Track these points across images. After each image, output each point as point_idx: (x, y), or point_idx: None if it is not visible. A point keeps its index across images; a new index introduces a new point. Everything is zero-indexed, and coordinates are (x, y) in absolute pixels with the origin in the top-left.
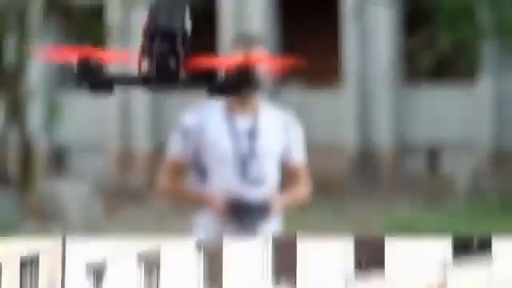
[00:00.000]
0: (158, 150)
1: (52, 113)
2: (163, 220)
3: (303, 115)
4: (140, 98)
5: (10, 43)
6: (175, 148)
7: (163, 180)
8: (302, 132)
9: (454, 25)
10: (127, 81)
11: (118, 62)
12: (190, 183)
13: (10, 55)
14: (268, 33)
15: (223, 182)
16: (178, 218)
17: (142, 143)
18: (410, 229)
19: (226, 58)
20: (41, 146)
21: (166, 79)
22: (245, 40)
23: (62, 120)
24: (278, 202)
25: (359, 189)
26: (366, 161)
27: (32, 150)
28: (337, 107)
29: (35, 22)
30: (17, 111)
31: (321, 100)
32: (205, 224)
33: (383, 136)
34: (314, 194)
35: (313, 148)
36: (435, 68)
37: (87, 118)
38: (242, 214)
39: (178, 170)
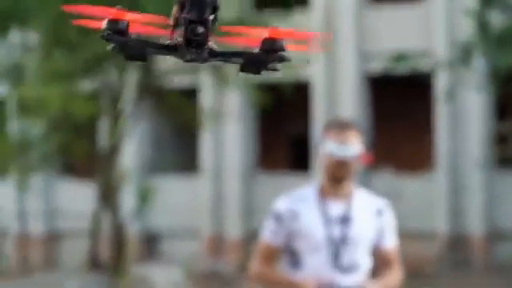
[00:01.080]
0: (250, 237)
1: (144, 197)
2: None
3: (395, 200)
4: (232, 183)
5: (105, 126)
6: (268, 233)
7: (255, 265)
8: (394, 217)
9: None
10: (157, 47)
11: (150, 28)
12: (283, 269)
13: (104, 138)
14: (360, 116)
15: (315, 268)
16: None
17: (233, 229)
18: None
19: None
20: (133, 231)
21: (195, 47)
22: (338, 124)
23: (155, 205)
24: None
25: (451, 274)
26: (457, 246)
27: (124, 235)
28: (428, 192)
29: (129, 104)
30: (110, 195)
31: (412, 185)
32: None
33: (475, 221)
34: (406, 279)
35: (405, 233)
36: None
37: (179, 202)
38: None
39: (271, 255)
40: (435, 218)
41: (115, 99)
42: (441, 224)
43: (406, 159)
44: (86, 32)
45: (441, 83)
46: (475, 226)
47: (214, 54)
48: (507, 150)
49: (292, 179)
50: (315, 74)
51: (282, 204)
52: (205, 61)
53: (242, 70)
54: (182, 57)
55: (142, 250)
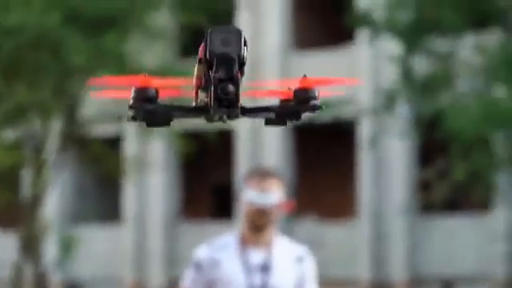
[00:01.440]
0: (172, 285)
1: (67, 247)
2: None
3: (318, 248)
4: (155, 232)
5: (27, 175)
6: (188, 282)
7: None
8: (315, 265)
9: (469, 155)
10: (185, 111)
11: (173, 92)
12: None
13: (26, 187)
14: (284, 164)
15: None
16: None
17: (156, 277)
18: None
19: (281, 85)
20: (55, 280)
21: (226, 106)
22: (259, 172)
23: (78, 254)
24: None
25: None
26: None
27: (47, 284)
28: (351, 239)
29: (52, 153)
30: (32, 244)
31: (335, 232)
32: None
33: (397, 267)
34: None
35: (328, 280)
36: (449, 199)
37: (102, 251)
38: None
39: None
40: (358, 264)
41: (38, 148)
42: (364, 271)
43: (329, 207)
44: (9, 82)
45: (364, 130)
46: (398, 272)
47: (245, 111)
48: (430, 196)
49: (215, 227)
50: (239, 121)
51: (202, 252)
52: (236, 118)
53: (269, 122)
54: (212, 117)
55: None
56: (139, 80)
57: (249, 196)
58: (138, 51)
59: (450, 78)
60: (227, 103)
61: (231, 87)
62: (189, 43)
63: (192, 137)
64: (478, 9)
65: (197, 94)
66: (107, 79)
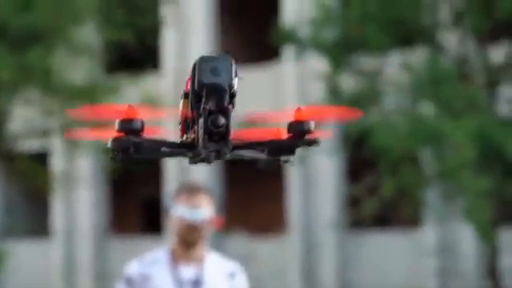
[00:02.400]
0: None
1: None
2: None
3: (249, 263)
4: (84, 247)
5: None
6: None
7: None
8: (247, 280)
9: (397, 172)
10: (173, 146)
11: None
12: None
13: None
14: (212, 180)
15: None
16: None
17: None
18: None
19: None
20: None
21: (216, 141)
22: (188, 188)
23: (6, 269)
24: None
25: None
26: None
27: None
28: (282, 254)
29: None
30: None
31: (266, 247)
32: None
33: (328, 283)
34: None
35: None
36: (379, 215)
37: (31, 266)
38: None
39: None
40: (289, 279)
41: None
42: (295, 285)
43: (259, 222)
44: None
45: None
46: (329, 286)
47: (237, 147)
48: (359, 212)
49: (144, 242)
50: (166, 136)
51: (132, 268)
52: (225, 155)
53: (261, 164)
54: (198, 155)
55: None
56: (124, 110)
57: (179, 212)
58: (63, 67)
59: (377, 96)
60: (218, 137)
61: (222, 119)
62: (115, 59)
63: None
64: (404, 27)
65: (183, 130)
66: (88, 110)
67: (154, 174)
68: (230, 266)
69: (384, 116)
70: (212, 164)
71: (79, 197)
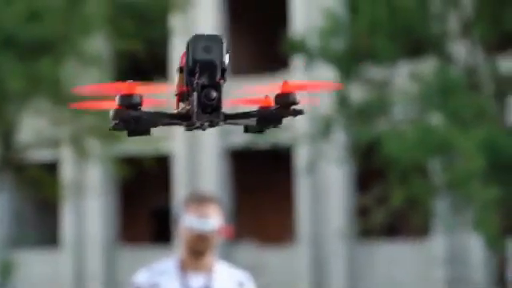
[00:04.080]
0: None
1: (5, 272)
2: None
3: (258, 272)
4: (93, 257)
5: None
6: None
7: None
8: None
9: (406, 182)
10: (167, 117)
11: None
12: None
13: None
14: (222, 189)
15: None
16: None
17: None
18: None
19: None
20: None
21: (209, 113)
22: (198, 198)
23: (16, 279)
24: None
25: None
26: None
27: None
28: (291, 263)
29: None
30: None
31: (275, 256)
32: None
33: None
34: None
35: None
36: (388, 225)
37: (41, 276)
38: None
39: None
40: None
41: None
42: None
43: (268, 231)
44: None
45: (301, 156)
46: None
47: (228, 117)
48: (368, 221)
49: (153, 252)
50: (176, 147)
51: (141, 277)
52: (218, 124)
53: (249, 130)
54: (193, 124)
55: None
56: (124, 87)
57: (188, 222)
58: (73, 77)
59: (386, 105)
60: (210, 109)
61: (214, 93)
62: (124, 69)
63: (128, 162)
64: (413, 37)
65: (178, 101)
66: (90, 88)
67: (163, 184)
68: (239, 275)
69: (393, 126)
70: (206, 130)
71: (89, 206)
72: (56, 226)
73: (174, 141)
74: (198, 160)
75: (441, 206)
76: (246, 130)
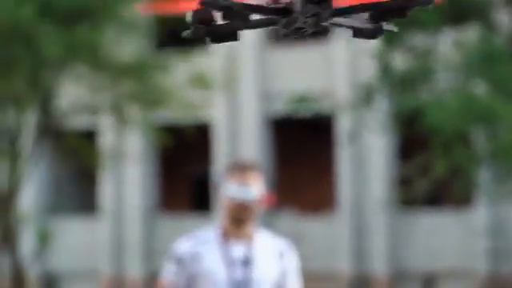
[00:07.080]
0: (150, 277)
1: (44, 239)
2: None
3: (298, 241)
4: (132, 225)
5: (3, 168)
6: (168, 275)
7: None
8: (297, 259)
9: (449, 151)
10: (262, 11)
11: None
12: None
13: (2, 180)
14: (262, 158)
15: None
16: None
17: (133, 270)
18: None
19: None
20: (33, 273)
21: (316, 3)
22: (239, 166)
23: (54, 246)
24: None
25: None
26: (361, 287)
27: (24, 277)
28: (331, 233)
29: (27, 146)
30: (8, 237)
31: (315, 226)
32: None
33: (378, 262)
34: None
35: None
36: (430, 195)
37: (79, 244)
38: None
39: None
40: (338, 258)
41: (14, 141)
42: (344, 265)
43: (308, 201)
44: None
45: (342, 125)
46: (379, 266)
47: (338, 12)
48: (410, 191)
49: (193, 220)
50: (216, 115)
51: (183, 246)
52: (324, 21)
53: (357, 33)
54: (295, 20)
55: None
56: None
57: (229, 190)
58: (112, 43)
59: (429, 74)
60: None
61: None
62: (164, 36)
63: (169, 130)
64: (457, 5)
65: None
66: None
67: (203, 152)
68: (280, 244)
69: (436, 94)
70: (308, 36)
71: (128, 175)
72: (95, 194)
73: (214, 109)
74: (239, 128)
75: (484, 176)
76: (355, 33)
